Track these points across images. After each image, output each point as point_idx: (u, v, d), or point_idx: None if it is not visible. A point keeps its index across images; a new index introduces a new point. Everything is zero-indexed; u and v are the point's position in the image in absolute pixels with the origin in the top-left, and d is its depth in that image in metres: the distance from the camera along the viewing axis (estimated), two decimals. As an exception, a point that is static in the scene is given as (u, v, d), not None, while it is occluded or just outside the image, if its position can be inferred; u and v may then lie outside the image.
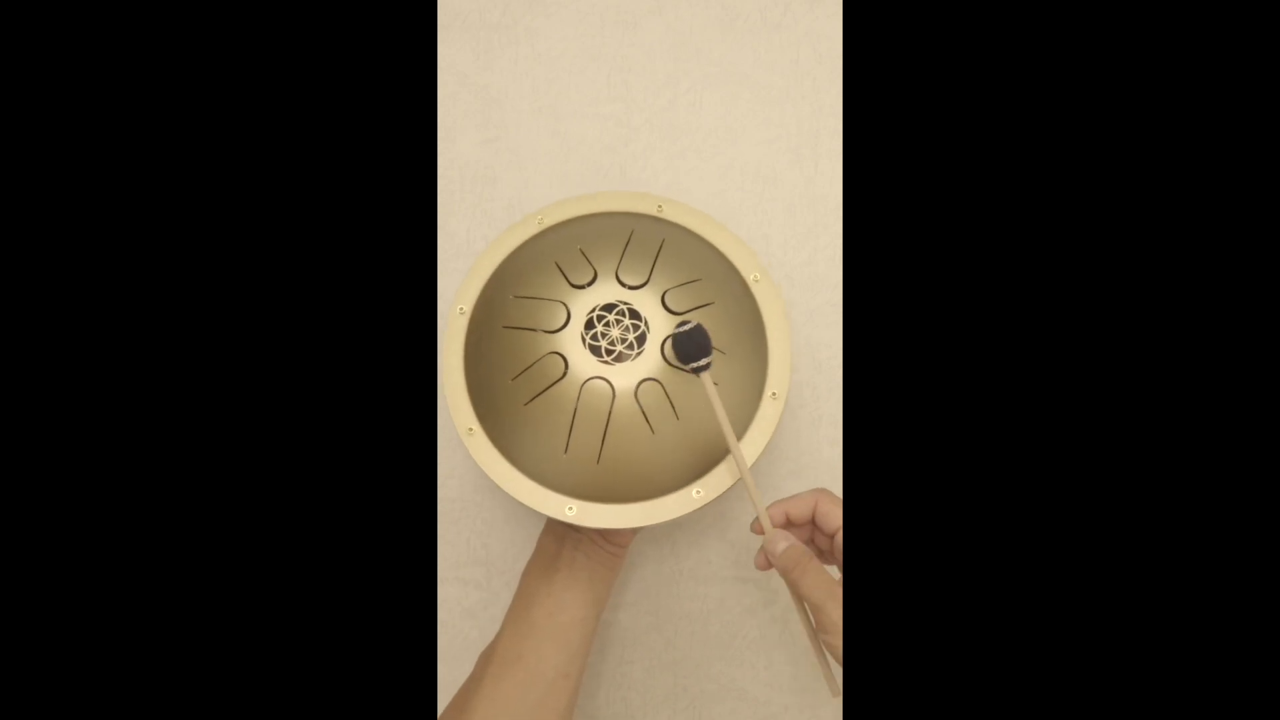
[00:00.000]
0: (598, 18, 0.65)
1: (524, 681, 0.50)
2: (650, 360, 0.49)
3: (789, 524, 0.49)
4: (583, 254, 0.51)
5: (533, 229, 0.54)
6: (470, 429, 0.51)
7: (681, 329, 0.47)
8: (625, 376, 0.49)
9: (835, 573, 0.47)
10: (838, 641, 0.43)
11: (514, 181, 0.64)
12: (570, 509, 0.50)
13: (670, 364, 0.49)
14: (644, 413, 0.49)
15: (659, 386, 0.49)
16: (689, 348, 0.47)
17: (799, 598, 0.46)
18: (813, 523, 0.49)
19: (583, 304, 0.49)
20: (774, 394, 0.52)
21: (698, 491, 0.51)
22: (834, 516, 0.47)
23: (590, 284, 0.50)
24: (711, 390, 0.47)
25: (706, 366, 0.47)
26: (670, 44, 0.65)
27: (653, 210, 0.55)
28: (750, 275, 0.54)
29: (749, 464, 0.51)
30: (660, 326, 0.49)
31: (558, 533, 0.55)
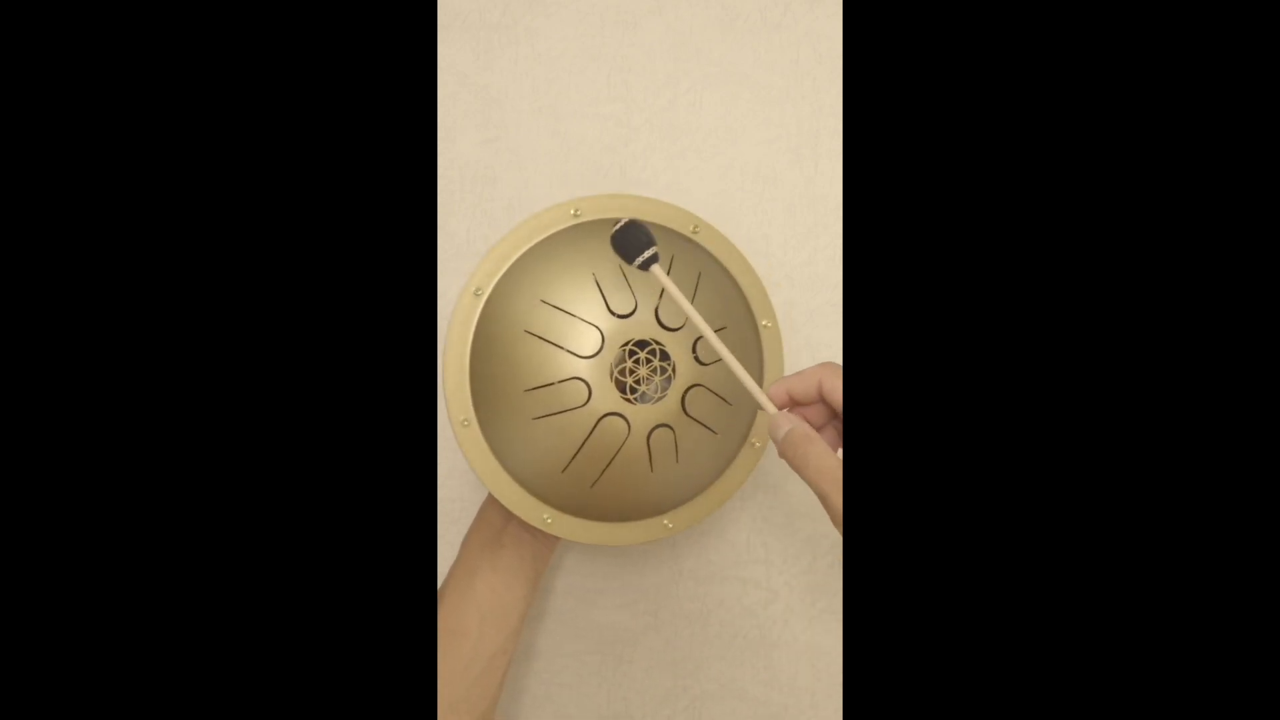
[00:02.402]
0: (598, 18, 0.65)
1: (467, 656, 0.50)
2: (670, 406, 0.48)
3: (793, 404, 0.44)
4: (624, 275, 0.49)
5: (566, 220, 0.52)
6: (465, 420, 0.50)
7: (617, 227, 0.45)
8: (642, 417, 0.48)
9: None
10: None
11: (514, 181, 0.64)
12: (548, 519, 0.50)
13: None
14: (650, 454, 0.48)
15: (670, 433, 0.48)
16: (628, 243, 0.44)
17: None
18: (823, 400, 0.45)
19: (617, 334, 0.48)
20: (755, 443, 0.53)
21: (669, 522, 0.52)
22: (841, 393, 0.43)
23: (630, 314, 0.48)
24: (667, 280, 0.44)
25: (655, 258, 0.44)
26: (670, 44, 0.65)
27: (688, 230, 0.53)
28: (762, 321, 0.54)
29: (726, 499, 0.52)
30: (686, 375, 0.48)
31: (506, 509, 0.54)
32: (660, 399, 0.48)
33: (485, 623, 0.51)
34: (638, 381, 0.48)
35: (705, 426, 0.49)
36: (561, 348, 0.48)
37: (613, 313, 0.48)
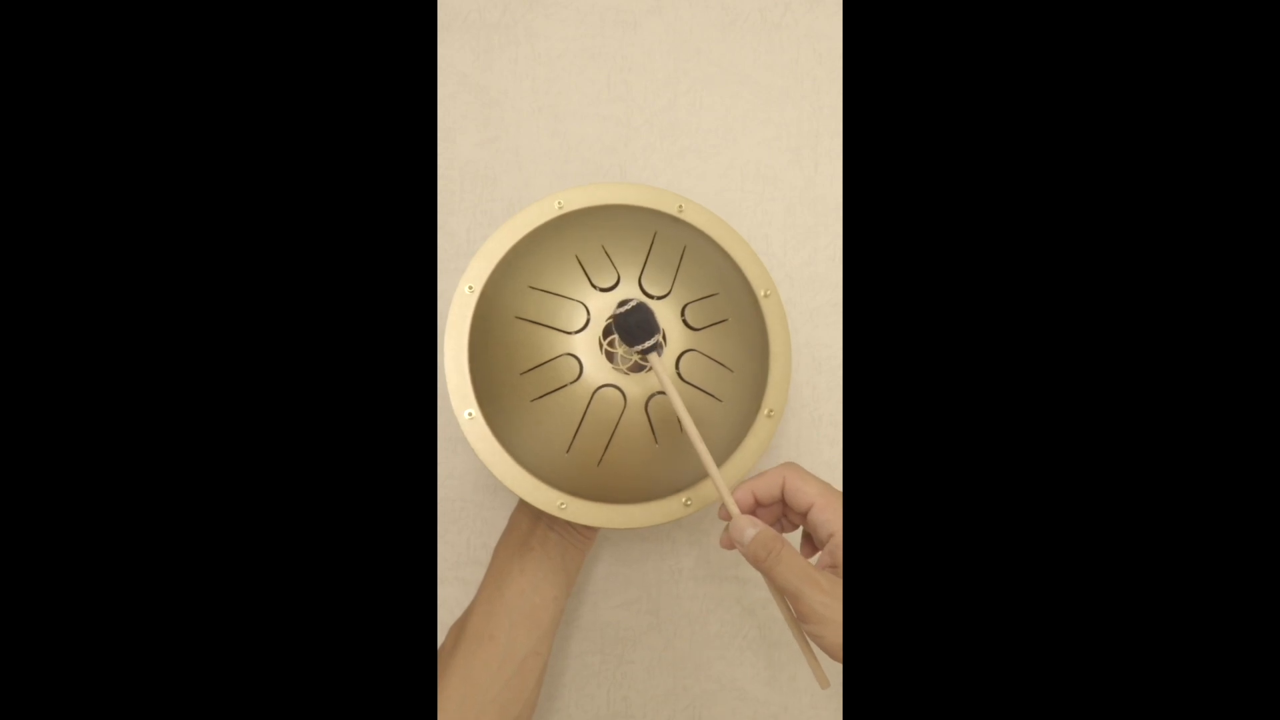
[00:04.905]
0: (598, 18, 0.65)
1: (496, 659, 0.50)
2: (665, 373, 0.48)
3: (757, 506, 0.46)
4: (605, 253, 0.50)
5: (551, 212, 0.53)
6: (470, 413, 0.50)
7: (622, 309, 0.45)
8: (638, 387, 0.48)
9: (828, 555, 0.44)
10: (821, 630, 0.40)
11: (514, 181, 0.64)
12: (562, 505, 0.50)
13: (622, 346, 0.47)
14: (651, 424, 0.48)
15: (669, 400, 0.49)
16: (632, 329, 0.45)
17: (776, 587, 0.43)
18: (782, 501, 0.46)
19: (603, 308, 0.48)
20: (770, 412, 0.53)
21: (687, 500, 0.51)
22: (804, 493, 0.44)
23: (613, 288, 0.49)
24: (663, 372, 0.45)
25: (654, 348, 0.45)
26: (670, 44, 0.65)
27: (673, 210, 0.54)
28: (761, 291, 0.54)
29: (739, 477, 0.51)
30: (677, 341, 0.49)
31: (532, 511, 0.55)
32: (653, 367, 0.48)
33: (515, 627, 0.51)
34: (629, 352, 0.48)
35: (705, 392, 0.49)
36: (550, 327, 0.48)
37: (596, 287, 0.49)
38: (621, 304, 0.46)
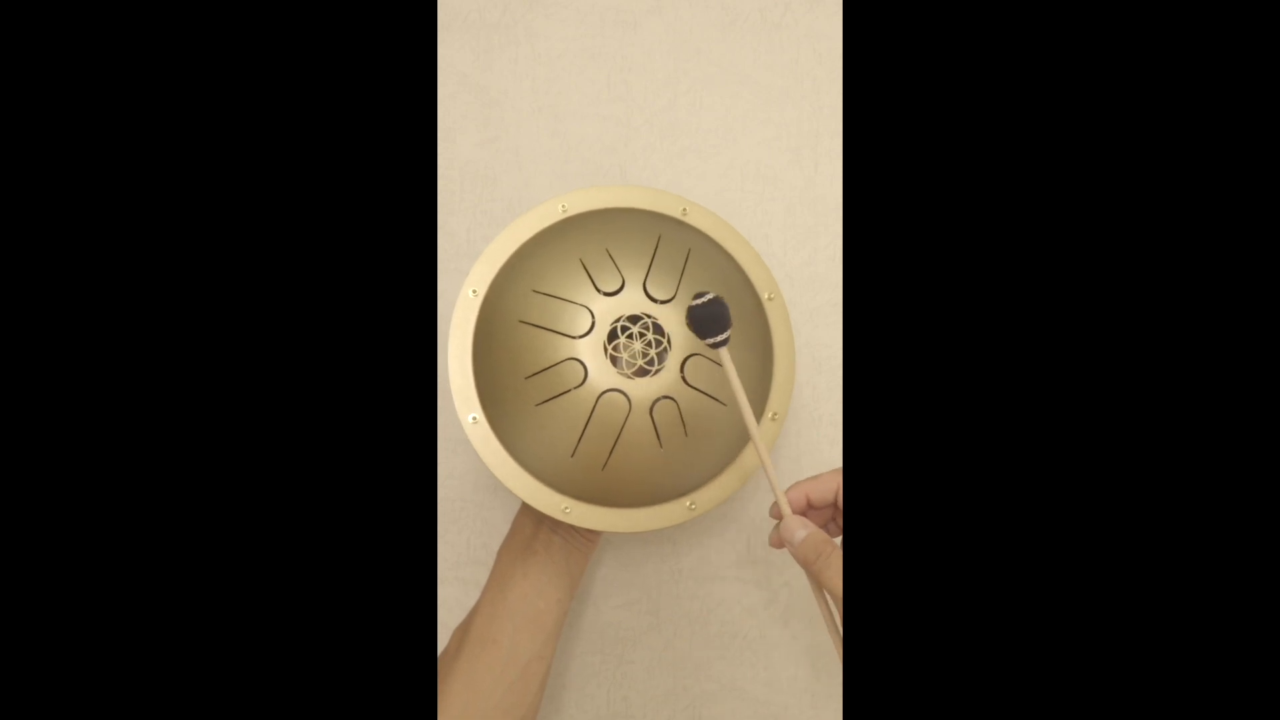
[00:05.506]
0: (598, 18, 0.65)
1: (499, 664, 0.50)
2: (669, 377, 0.48)
3: (809, 508, 0.47)
4: (610, 256, 0.49)
5: (555, 216, 0.53)
6: (474, 418, 0.50)
7: (699, 301, 0.45)
8: (642, 391, 0.48)
9: None
10: None
11: (514, 181, 0.64)
12: (566, 509, 0.50)
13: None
14: (655, 428, 0.48)
15: (674, 404, 0.48)
16: (705, 321, 0.45)
17: (820, 590, 0.44)
18: (835, 505, 0.47)
19: (607, 312, 0.48)
20: (774, 415, 0.53)
21: (691, 504, 0.51)
22: None
23: (617, 292, 0.49)
24: (730, 367, 0.45)
25: (725, 342, 0.45)
26: (670, 44, 0.65)
27: (677, 213, 0.54)
28: (765, 294, 0.54)
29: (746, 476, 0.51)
30: (682, 345, 0.48)
31: (535, 515, 0.55)
32: (658, 371, 0.48)
33: (519, 631, 0.51)
34: (634, 356, 0.48)
35: (710, 396, 0.49)
36: (555, 331, 0.48)
37: (600, 291, 0.49)
38: (697, 295, 0.45)
